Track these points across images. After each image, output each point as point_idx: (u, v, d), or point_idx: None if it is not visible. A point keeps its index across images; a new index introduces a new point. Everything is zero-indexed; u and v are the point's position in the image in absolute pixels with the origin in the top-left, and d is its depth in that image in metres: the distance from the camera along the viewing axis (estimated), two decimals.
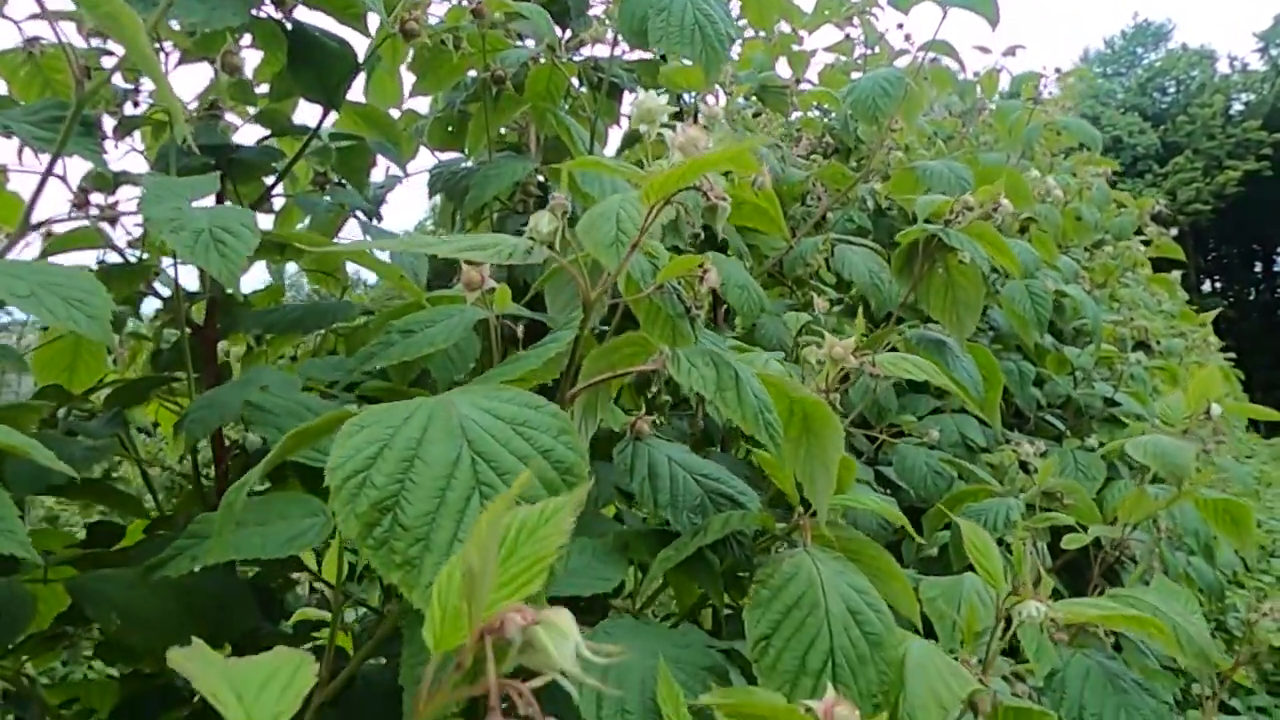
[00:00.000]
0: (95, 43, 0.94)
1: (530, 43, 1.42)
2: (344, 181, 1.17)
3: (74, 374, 1.08)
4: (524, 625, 0.26)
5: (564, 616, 0.26)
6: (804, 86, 2.31)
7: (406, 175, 1.35)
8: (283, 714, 0.28)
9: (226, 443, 0.96)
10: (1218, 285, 26.69)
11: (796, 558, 0.71)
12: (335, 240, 1.36)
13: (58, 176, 0.97)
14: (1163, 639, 0.81)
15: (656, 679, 0.62)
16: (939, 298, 1.21)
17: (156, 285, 1.03)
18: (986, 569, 0.77)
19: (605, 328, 0.84)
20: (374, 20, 1.02)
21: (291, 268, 1.41)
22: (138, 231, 1.04)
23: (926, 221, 1.20)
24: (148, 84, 1.02)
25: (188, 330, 0.95)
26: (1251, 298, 25.97)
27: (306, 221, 1.29)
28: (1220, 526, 1.35)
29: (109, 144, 1.02)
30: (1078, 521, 1.28)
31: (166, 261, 1.03)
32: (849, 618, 0.68)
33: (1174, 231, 3.50)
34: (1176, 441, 1.16)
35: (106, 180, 0.91)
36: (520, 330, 0.90)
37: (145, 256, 1.01)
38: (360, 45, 1.04)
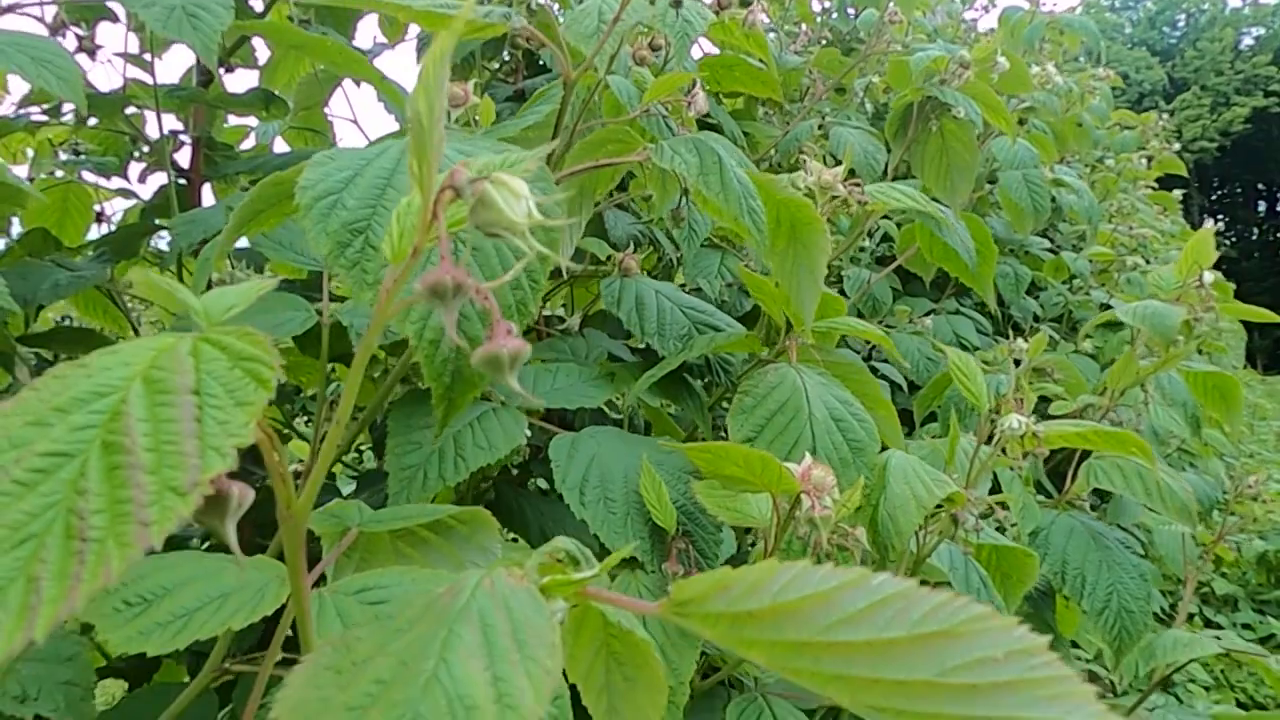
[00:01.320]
0: None
1: None
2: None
3: (62, 229, 1.07)
4: (474, 180, 0.25)
5: (517, 180, 0.26)
6: None
7: (394, 45, 1.33)
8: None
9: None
10: (1221, 225, 26.50)
11: (781, 370, 0.71)
12: (324, 112, 1.34)
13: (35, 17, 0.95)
14: (1143, 457, 0.82)
15: (639, 474, 0.63)
16: (933, 163, 1.20)
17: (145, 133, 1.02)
18: (970, 389, 0.77)
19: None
20: None
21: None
22: (118, 82, 1.02)
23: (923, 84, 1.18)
24: None
25: (173, 174, 0.94)
26: (1254, 237, 25.83)
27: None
28: (1208, 402, 1.36)
29: None
30: (1067, 391, 1.28)
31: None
32: (832, 424, 0.69)
33: (1176, 146, 3.46)
34: (1167, 305, 1.16)
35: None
36: None
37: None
38: None
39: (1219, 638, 3.94)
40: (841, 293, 2.03)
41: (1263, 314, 1.72)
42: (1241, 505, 1.36)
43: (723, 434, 0.73)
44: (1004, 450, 0.79)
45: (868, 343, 1.87)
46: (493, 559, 0.50)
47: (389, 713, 0.22)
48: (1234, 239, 25.02)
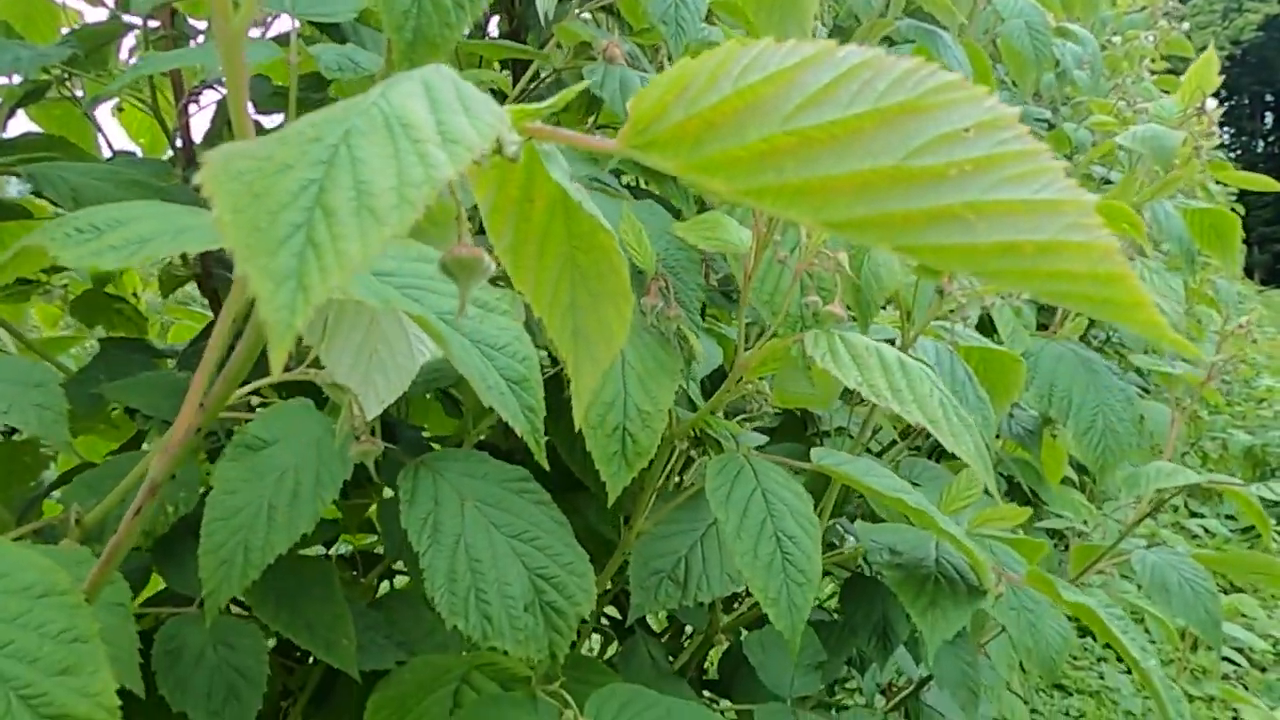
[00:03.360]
0: None
1: None
2: None
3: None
4: None
5: None
6: None
7: None
8: None
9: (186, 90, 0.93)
10: (1226, 138, 26.11)
11: None
12: None
13: None
14: (1134, 232, 0.81)
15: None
16: None
17: None
18: None
19: None
20: None
21: None
22: None
23: None
24: None
25: None
26: (1259, 149, 25.48)
27: None
28: (1205, 242, 1.35)
29: None
30: None
31: None
32: None
33: (1185, 26, 3.37)
34: (1167, 129, 1.14)
35: None
36: None
37: None
38: None
39: (1206, 528, 3.99)
40: None
41: (1264, 181, 1.70)
42: (1233, 345, 1.36)
43: None
44: None
45: None
46: None
47: (323, 129, 0.21)
48: (1239, 151, 24.68)
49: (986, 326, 1.27)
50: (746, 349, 0.60)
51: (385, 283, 0.37)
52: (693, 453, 1.05)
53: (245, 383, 0.76)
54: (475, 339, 0.39)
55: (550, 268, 0.35)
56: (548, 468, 0.48)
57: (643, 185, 0.94)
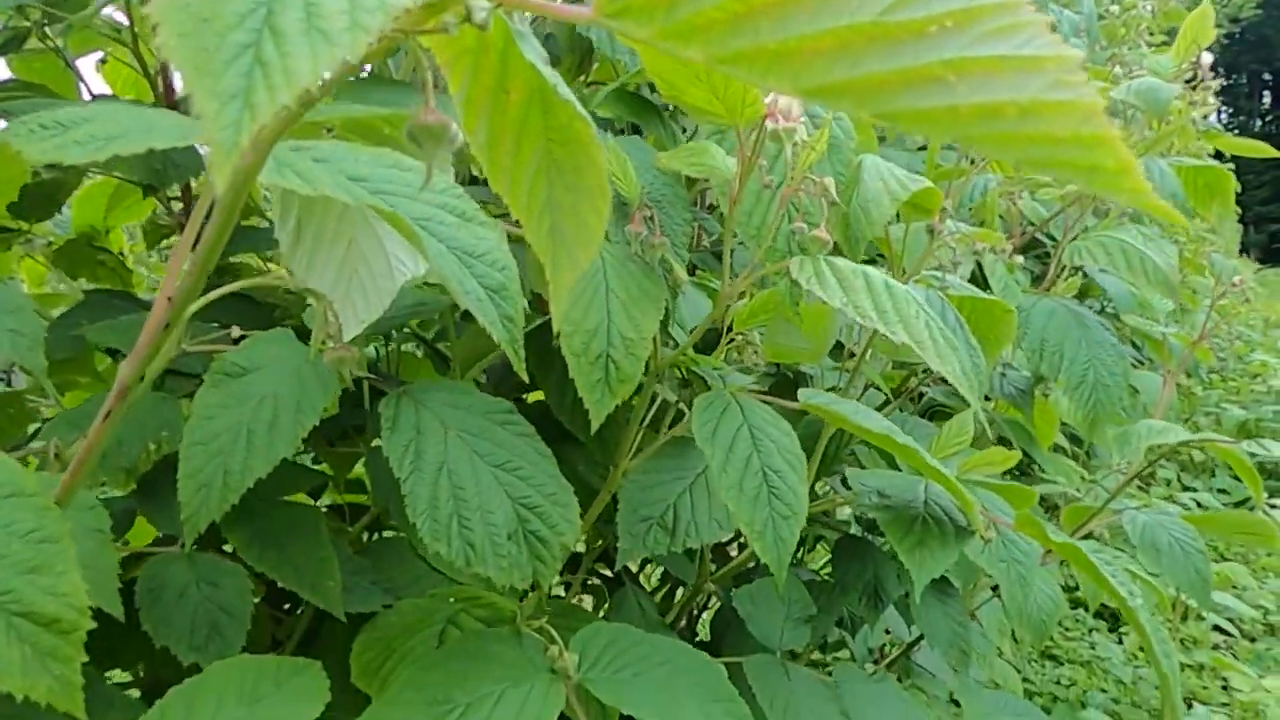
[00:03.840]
0: None
1: None
2: None
3: None
4: None
5: None
6: None
7: None
8: None
9: None
10: (1224, 117, 26.04)
11: None
12: None
13: None
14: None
15: None
16: None
17: None
18: None
19: None
20: None
21: None
22: None
23: None
24: None
25: None
26: (1257, 128, 25.42)
27: None
28: (1199, 201, 1.34)
29: None
30: (1055, 181, 1.26)
31: None
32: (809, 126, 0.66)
33: None
34: (1162, 82, 1.13)
35: None
36: None
37: None
38: None
39: (1198, 502, 4.00)
40: None
41: (1259, 147, 1.69)
42: (1225, 309, 1.36)
43: None
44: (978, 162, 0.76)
45: None
46: None
47: None
48: (1236, 130, 24.62)
49: (979, 283, 1.26)
50: (732, 279, 0.59)
51: (360, 187, 0.37)
52: (682, 406, 1.05)
53: (226, 322, 0.75)
54: (452, 245, 0.38)
55: (527, 163, 0.34)
56: (526, 379, 0.47)
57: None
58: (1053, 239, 1.56)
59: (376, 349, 1.09)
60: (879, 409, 1.29)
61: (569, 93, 0.31)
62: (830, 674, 0.99)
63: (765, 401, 0.65)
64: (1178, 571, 1.37)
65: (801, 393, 0.69)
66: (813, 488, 1.10)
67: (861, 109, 0.25)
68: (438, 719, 0.55)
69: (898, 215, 1.28)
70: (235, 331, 0.57)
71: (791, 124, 0.48)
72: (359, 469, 1.01)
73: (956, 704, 1.40)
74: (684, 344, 0.64)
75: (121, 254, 1.29)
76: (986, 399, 1.41)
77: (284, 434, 0.49)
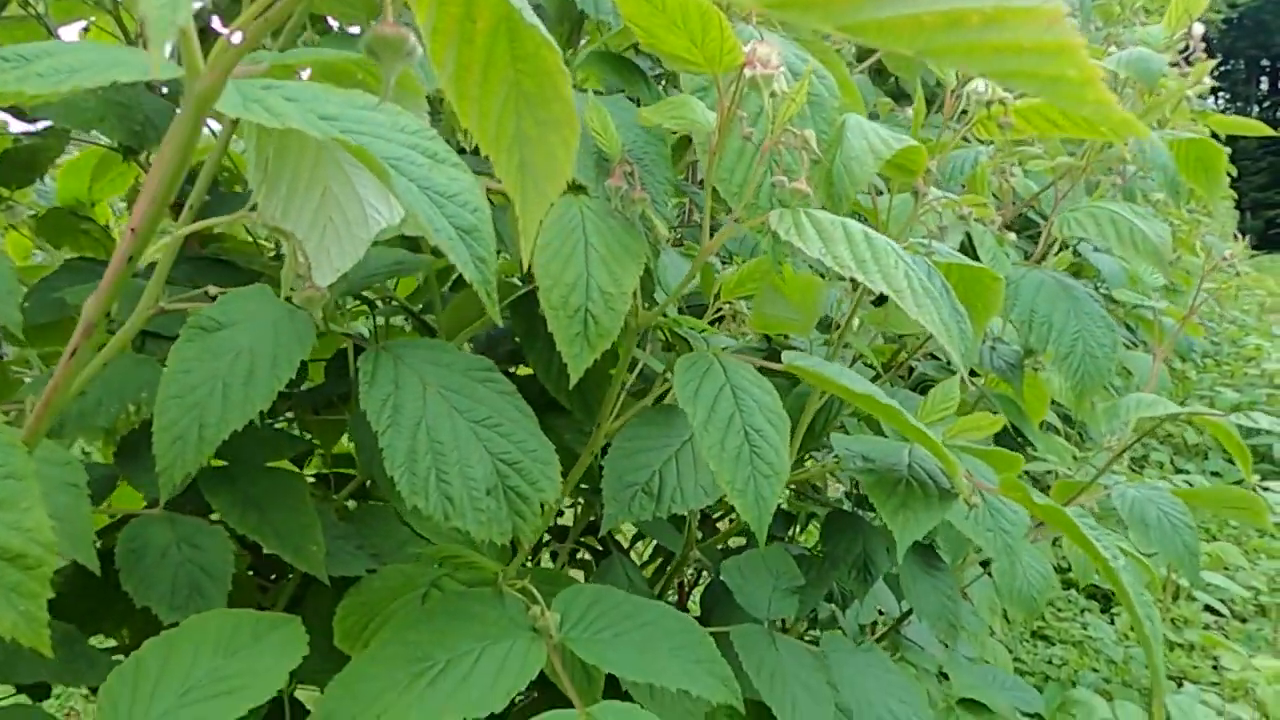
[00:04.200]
0: None
1: None
2: None
3: None
4: None
5: None
6: None
7: None
8: None
9: None
10: (1221, 102, 26.01)
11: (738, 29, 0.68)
12: None
13: None
14: (1119, 128, 0.80)
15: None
16: None
17: None
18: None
19: None
20: None
21: None
22: None
23: None
24: None
25: None
26: (1254, 114, 25.38)
27: None
28: (1190, 174, 1.34)
29: None
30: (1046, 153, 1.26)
31: None
32: (790, 79, 0.66)
33: None
34: (1153, 53, 1.12)
35: None
36: None
37: None
38: None
39: (1190, 484, 4.03)
40: None
41: (1254, 125, 1.68)
42: (1218, 285, 1.35)
43: None
44: (969, 138, 0.76)
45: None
46: None
47: None
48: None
49: (969, 255, 1.26)
50: (711, 233, 0.59)
51: (330, 125, 0.36)
52: (669, 375, 1.04)
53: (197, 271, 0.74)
54: (424, 185, 0.38)
55: (495, 95, 0.34)
56: (500, 323, 0.47)
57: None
58: (1044, 218, 1.55)
59: (364, 322, 1.09)
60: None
61: (535, 18, 0.30)
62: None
63: (748, 361, 0.65)
64: (1167, 545, 1.37)
65: (785, 355, 0.69)
66: (801, 460, 1.10)
67: (825, 23, 0.25)
68: (417, 676, 0.55)
69: (886, 186, 1.28)
70: (212, 290, 0.56)
71: (770, 71, 0.48)
72: (347, 445, 1.01)
73: (945, 677, 1.40)
74: (665, 301, 0.63)
75: (107, 227, 1.29)
76: (975, 374, 1.41)
77: (260, 387, 0.49)
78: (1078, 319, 1.09)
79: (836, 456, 0.89)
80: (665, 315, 0.71)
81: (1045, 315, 1.09)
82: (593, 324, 0.51)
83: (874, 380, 1.29)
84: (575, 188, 0.58)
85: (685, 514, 1.10)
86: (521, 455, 0.54)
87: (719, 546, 1.22)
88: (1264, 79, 25.57)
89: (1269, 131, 1.65)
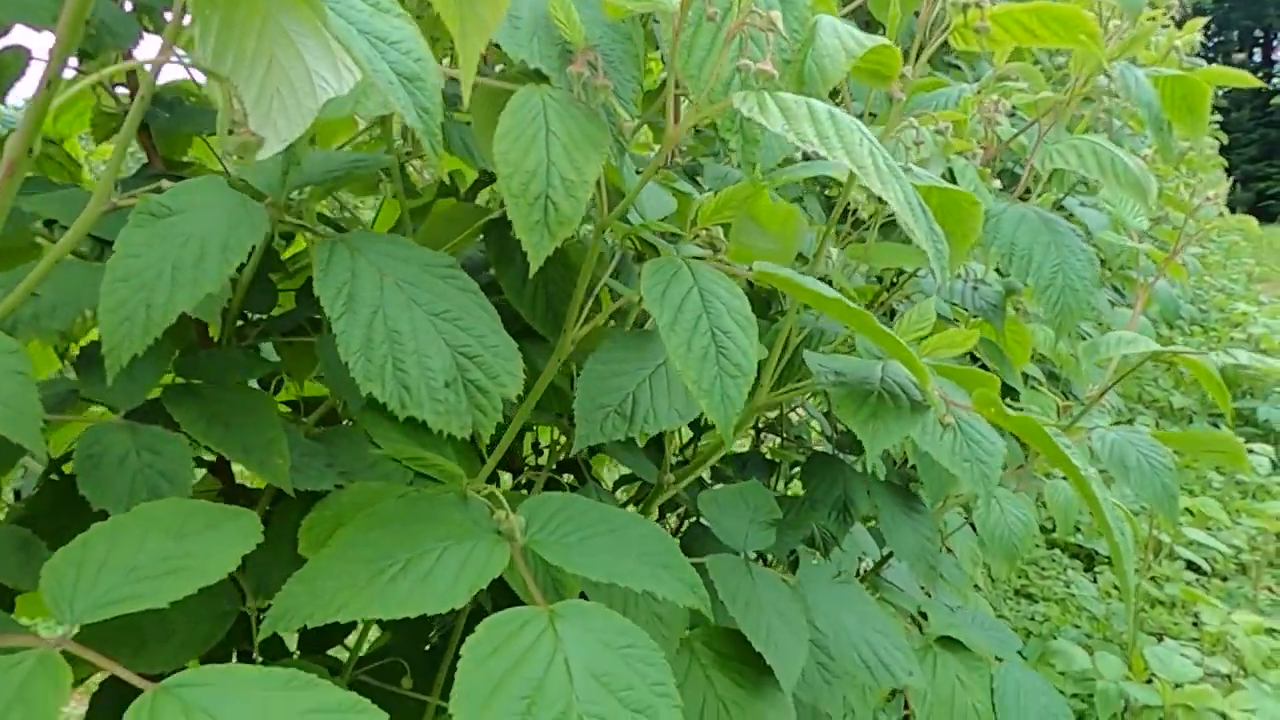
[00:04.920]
0: None
1: None
2: None
3: None
4: None
5: None
6: None
7: None
8: None
9: None
10: None
11: None
12: None
13: None
14: (1091, 44, 0.78)
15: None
16: None
17: None
18: None
19: None
20: None
21: None
22: None
23: None
24: None
25: None
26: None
27: None
28: (1174, 113, 1.33)
29: None
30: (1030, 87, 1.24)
31: None
32: None
33: None
34: None
35: None
36: None
37: None
38: None
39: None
40: None
41: (1242, 77, 1.67)
42: (1201, 224, 1.35)
43: None
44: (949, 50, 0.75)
45: None
46: None
47: None
48: (1226, 89, 24.54)
49: None
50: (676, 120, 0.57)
51: None
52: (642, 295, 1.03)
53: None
54: (364, 30, 0.37)
55: None
56: (448, 180, 0.45)
57: None
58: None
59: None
60: None
61: None
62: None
63: (717, 267, 0.64)
64: (1145, 487, 1.37)
65: (756, 264, 0.68)
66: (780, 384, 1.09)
67: None
68: (378, 573, 0.54)
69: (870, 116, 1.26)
70: (165, 184, 0.55)
71: None
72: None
73: (924, 617, 1.41)
74: (629, 195, 0.62)
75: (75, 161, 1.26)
76: (956, 319, 1.41)
77: (210, 270, 0.48)
78: (1058, 251, 1.08)
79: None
80: (631, 222, 0.69)
81: (1026, 248, 1.08)
82: (553, 211, 0.50)
83: None
84: (538, 76, 0.57)
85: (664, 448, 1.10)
86: (482, 349, 0.53)
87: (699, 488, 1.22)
88: (1257, 49, 25.47)
89: (1257, 82, 1.64)
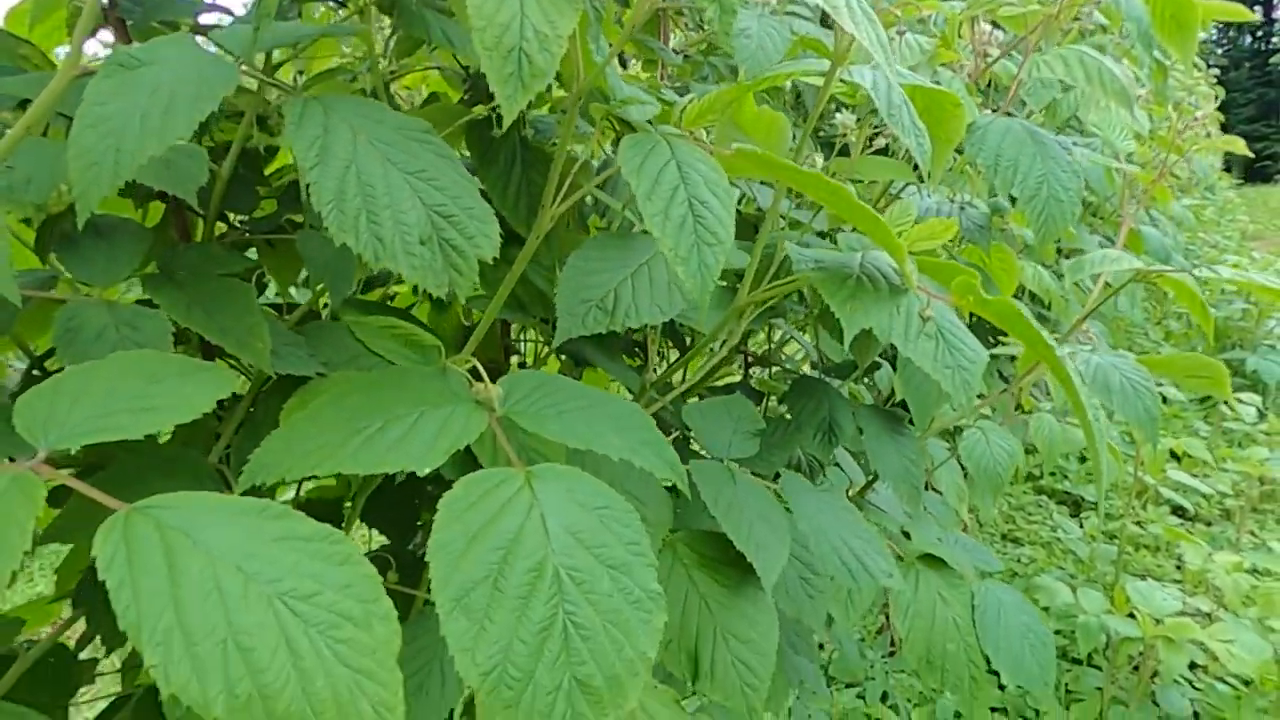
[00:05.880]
0: None
1: None
2: None
3: None
4: None
5: None
6: None
7: None
8: None
9: None
10: (1213, 32, 25.66)
11: None
12: None
13: None
14: None
15: None
16: None
17: None
18: None
19: None
20: None
21: None
22: None
23: None
24: None
25: None
26: (1246, 44, 25.10)
27: None
28: (1164, 33, 1.32)
29: None
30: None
31: None
32: None
33: None
34: None
35: None
36: None
37: None
38: None
39: (1164, 395, 4.01)
40: None
41: (1238, 11, 1.65)
42: (1181, 147, 1.34)
43: None
44: None
45: None
46: None
47: None
48: (1226, 46, 24.30)
49: None
50: None
51: None
52: (630, 214, 1.03)
53: None
54: None
55: None
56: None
57: None
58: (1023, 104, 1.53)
59: None
60: None
61: None
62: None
63: (695, 144, 0.64)
64: (1128, 409, 1.38)
65: (735, 145, 0.68)
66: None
67: None
68: (353, 434, 0.54)
69: None
70: (135, 46, 0.54)
71: None
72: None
73: (907, 536, 1.42)
74: (604, 60, 0.62)
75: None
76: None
77: (180, 118, 0.47)
78: (1044, 162, 1.08)
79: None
80: (609, 102, 0.69)
81: (1011, 159, 1.08)
82: (526, 64, 0.50)
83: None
84: None
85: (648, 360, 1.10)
86: (458, 210, 0.53)
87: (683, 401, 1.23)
88: (1256, 7, 25.22)
89: (1250, 16, 1.62)
